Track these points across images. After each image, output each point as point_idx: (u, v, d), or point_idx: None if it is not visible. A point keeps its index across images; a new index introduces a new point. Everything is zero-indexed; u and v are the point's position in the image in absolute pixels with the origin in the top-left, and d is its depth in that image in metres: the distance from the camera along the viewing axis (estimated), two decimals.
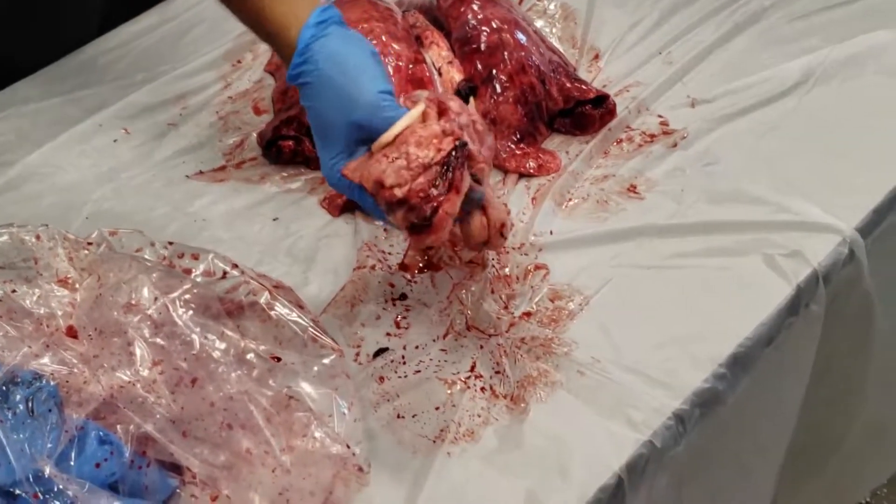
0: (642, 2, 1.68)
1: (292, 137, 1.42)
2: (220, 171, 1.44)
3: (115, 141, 1.48)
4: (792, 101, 1.49)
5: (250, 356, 1.05)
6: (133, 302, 1.05)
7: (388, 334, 1.22)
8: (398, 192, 1.09)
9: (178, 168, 1.44)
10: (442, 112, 1.13)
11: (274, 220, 1.36)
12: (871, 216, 1.33)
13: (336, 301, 1.26)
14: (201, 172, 1.44)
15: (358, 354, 1.20)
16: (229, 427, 1.01)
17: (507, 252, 1.29)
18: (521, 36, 1.45)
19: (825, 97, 1.50)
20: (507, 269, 1.27)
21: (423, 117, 1.13)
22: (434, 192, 1.09)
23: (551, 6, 1.66)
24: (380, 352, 1.20)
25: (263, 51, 1.61)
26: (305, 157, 1.42)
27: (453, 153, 1.10)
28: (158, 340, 1.03)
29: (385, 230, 1.33)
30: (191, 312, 1.05)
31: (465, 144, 1.11)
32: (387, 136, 1.11)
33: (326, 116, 1.14)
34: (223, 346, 1.04)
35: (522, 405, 1.14)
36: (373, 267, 1.29)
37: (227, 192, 1.40)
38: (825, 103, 1.49)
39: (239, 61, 1.60)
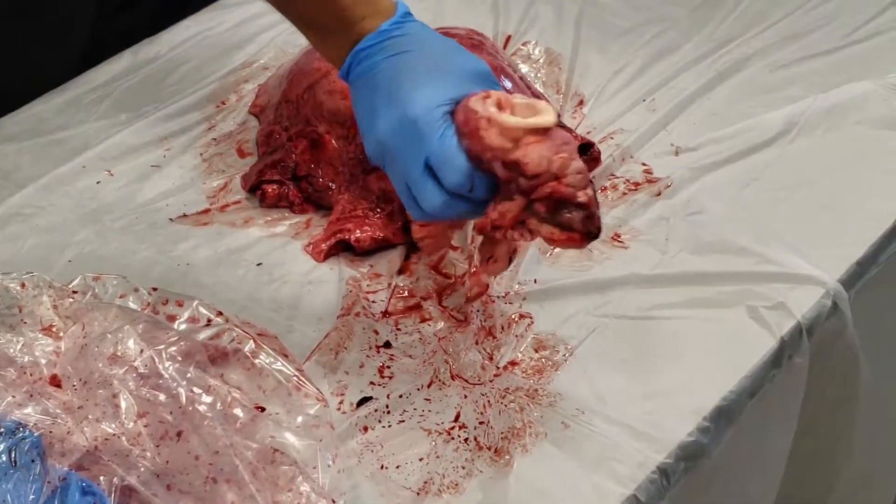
0: (626, 48, 1.68)
1: (276, 181, 1.42)
2: (204, 214, 1.43)
3: (98, 183, 1.47)
4: (775, 151, 1.49)
5: (237, 410, 1.04)
6: (119, 353, 1.04)
7: (372, 383, 1.22)
8: (581, 197, 1.09)
9: (162, 211, 1.44)
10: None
11: (258, 265, 1.36)
12: (854, 268, 1.33)
13: (320, 348, 1.25)
14: (185, 215, 1.43)
15: (342, 403, 1.20)
16: (214, 481, 1.01)
17: (493, 301, 1.29)
18: (506, 83, 1.45)
19: (808, 147, 1.51)
20: (491, 319, 1.27)
21: None
22: (598, 207, 1.12)
23: (536, 51, 1.67)
24: (364, 400, 1.20)
25: (248, 92, 1.61)
26: (290, 201, 1.42)
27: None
28: (144, 393, 1.03)
29: (371, 277, 1.33)
30: (177, 364, 1.05)
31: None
32: (543, 120, 1.09)
33: (440, 61, 1.14)
34: (209, 399, 1.04)
35: (507, 457, 1.14)
36: (357, 314, 1.29)
37: (211, 236, 1.40)
38: (808, 154, 1.50)
39: (223, 102, 1.60)
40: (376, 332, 1.27)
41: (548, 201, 1.10)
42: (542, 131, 1.09)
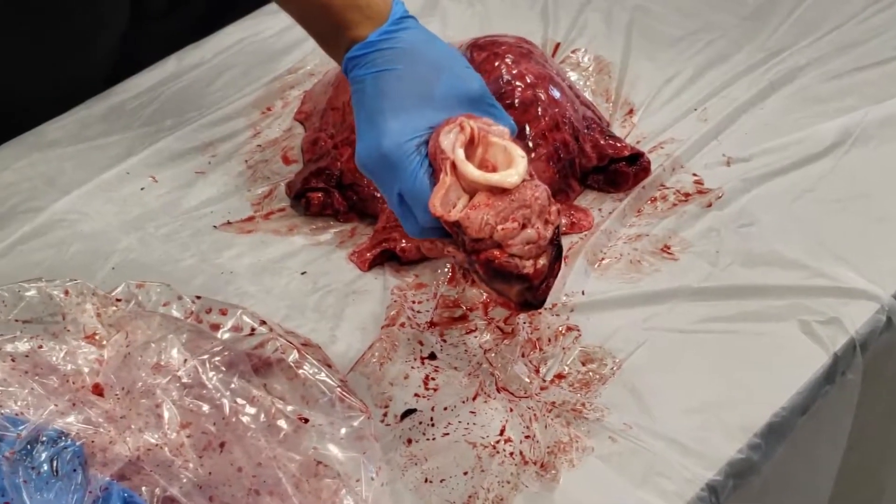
0: (676, 56, 1.68)
1: (322, 189, 1.42)
2: (248, 222, 1.43)
3: (142, 189, 1.48)
4: (828, 163, 1.48)
5: (280, 421, 1.04)
6: (162, 363, 1.04)
7: (417, 395, 1.22)
8: (525, 268, 1.08)
9: (206, 218, 1.44)
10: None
11: (302, 273, 1.36)
12: None
13: (364, 359, 1.25)
14: (229, 223, 1.43)
15: (385, 415, 1.20)
16: (257, 493, 1.01)
17: (540, 312, 1.28)
18: (555, 92, 1.45)
19: (862, 159, 1.49)
20: (538, 331, 1.26)
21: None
22: (550, 279, 1.10)
23: (585, 59, 1.66)
24: (408, 413, 1.20)
25: (293, 98, 1.61)
26: (335, 209, 1.42)
27: (558, 232, 1.10)
28: (187, 403, 1.03)
29: (416, 287, 1.33)
30: (221, 375, 1.05)
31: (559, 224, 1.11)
32: (506, 180, 1.07)
33: (422, 83, 1.11)
34: (253, 410, 1.04)
35: (553, 472, 1.13)
36: (402, 324, 1.28)
37: (255, 244, 1.40)
38: (862, 165, 1.48)
39: (269, 108, 1.60)
40: (421, 343, 1.27)
41: (485, 266, 1.09)
42: (500, 190, 1.07)
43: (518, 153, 1.08)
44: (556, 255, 1.10)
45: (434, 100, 1.11)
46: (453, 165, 1.07)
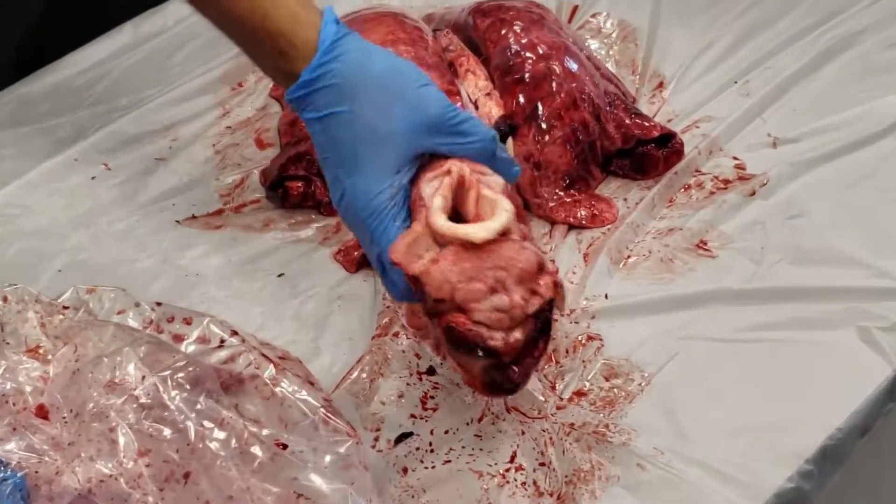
0: (714, 21, 1.68)
1: (302, 178, 1.42)
2: (216, 216, 1.44)
3: (93, 178, 1.48)
4: (891, 144, 1.49)
5: (254, 447, 1.04)
6: (116, 380, 1.04)
7: (413, 416, 1.22)
8: (492, 340, 1.05)
9: (167, 212, 1.44)
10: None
11: (279, 276, 1.36)
12: None
13: (351, 375, 1.25)
14: (194, 217, 1.44)
15: (377, 440, 1.20)
16: None
17: (556, 320, 1.28)
18: (571, 64, 1.45)
19: None
20: (554, 341, 1.26)
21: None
22: (528, 358, 1.07)
23: (608, 24, 1.66)
24: (403, 437, 1.20)
25: None
26: (317, 200, 1.42)
27: (548, 307, 1.08)
28: (146, 427, 1.03)
29: None
30: (185, 394, 1.05)
31: (559, 293, 1.09)
32: (475, 234, 1.06)
33: (373, 124, 1.11)
34: (222, 434, 1.04)
35: (572, 503, 1.13)
36: (395, 334, 1.29)
37: (224, 242, 1.40)
38: None
39: (240, 84, 1.61)
40: (418, 356, 1.27)
41: (446, 333, 1.07)
42: (472, 246, 1.06)
43: (503, 207, 1.08)
44: (541, 331, 1.07)
45: (392, 138, 1.11)
46: (426, 214, 1.08)
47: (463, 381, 1.10)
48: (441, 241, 1.07)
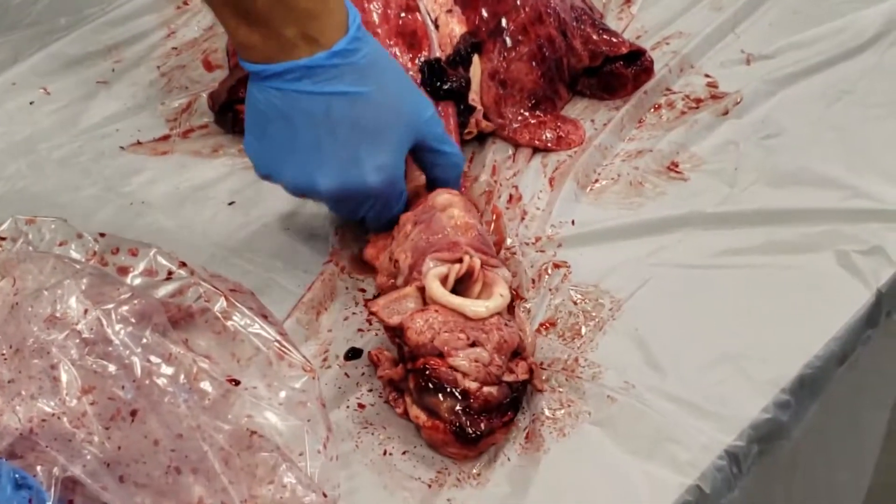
0: None
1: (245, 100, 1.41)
2: (163, 142, 1.43)
3: (31, 103, 1.47)
4: (872, 58, 1.49)
5: (205, 383, 1.04)
6: (58, 314, 1.03)
7: (360, 330, 1.23)
8: (464, 384, 1.09)
9: (111, 137, 1.43)
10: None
11: (230, 204, 1.36)
12: None
13: (303, 304, 1.24)
14: (139, 143, 1.43)
15: (325, 359, 1.20)
16: (177, 471, 1.00)
17: (513, 254, 1.28)
18: None
19: None
20: (516, 277, 1.26)
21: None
22: (494, 419, 1.10)
23: None
24: (352, 353, 1.20)
25: None
26: None
27: (522, 385, 1.12)
28: (89, 363, 1.02)
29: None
30: (130, 328, 1.04)
31: (536, 376, 1.14)
32: (472, 308, 1.12)
33: (387, 101, 1.19)
34: (170, 370, 1.03)
35: (539, 441, 1.13)
36: (343, 269, 1.28)
37: (172, 168, 1.40)
38: None
39: (186, 3, 1.60)
40: (362, 291, 1.27)
41: (418, 375, 1.10)
42: (460, 314, 1.12)
43: (499, 291, 1.14)
44: (510, 404, 1.11)
45: (402, 126, 1.21)
46: (422, 289, 1.15)
47: (423, 433, 1.12)
48: (428, 300, 1.13)
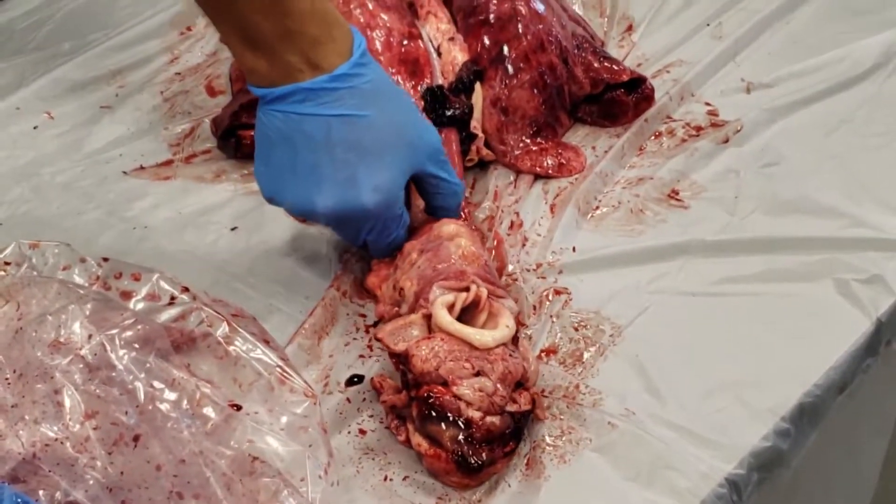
0: None
1: (254, 126, 1.41)
2: (166, 167, 1.43)
3: (35, 128, 1.47)
4: (871, 87, 1.49)
5: (207, 409, 1.04)
6: (62, 339, 1.03)
7: (362, 356, 1.23)
8: (468, 413, 1.10)
9: (114, 162, 1.44)
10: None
11: (232, 229, 1.36)
12: None
13: (305, 328, 1.25)
14: (142, 168, 1.43)
15: (326, 385, 1.20)
16: (180, 496, 1.00)
17: (514, 280, 1.28)
18: (537, 5, 1.45)
19: None
20: (517, 303, 1.26)
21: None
22: (496, 449, 1.11)
23: None
24: (353, 379, 1.21)
25: None
26: None
27: (525, 415, 1.13)
28: (93, 388, 1.02)
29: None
30: (133, 353, 1.04)
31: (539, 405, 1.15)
32: (478, 338, 1.13)
33: (388, 125, 1.20)
34: (173, 395, 1.03)
35: (540, 468, 1.13)
36: (344, 293, 1.28)
37: (174, 194, 1.40)
38: None
39: (189, 28, 1.60)
40: (363, 316, 1.27)
41: (422, 404, 1.11)
42: (467, 343, 1.13)
43: (505, 321, 1.15)
44: (512, 434, 1.12)
45: (403, 149, 1.22)
46: (428, 316, 1.15)
47: (425, 461, 1.12)
48: (433, 327, 1.14)
